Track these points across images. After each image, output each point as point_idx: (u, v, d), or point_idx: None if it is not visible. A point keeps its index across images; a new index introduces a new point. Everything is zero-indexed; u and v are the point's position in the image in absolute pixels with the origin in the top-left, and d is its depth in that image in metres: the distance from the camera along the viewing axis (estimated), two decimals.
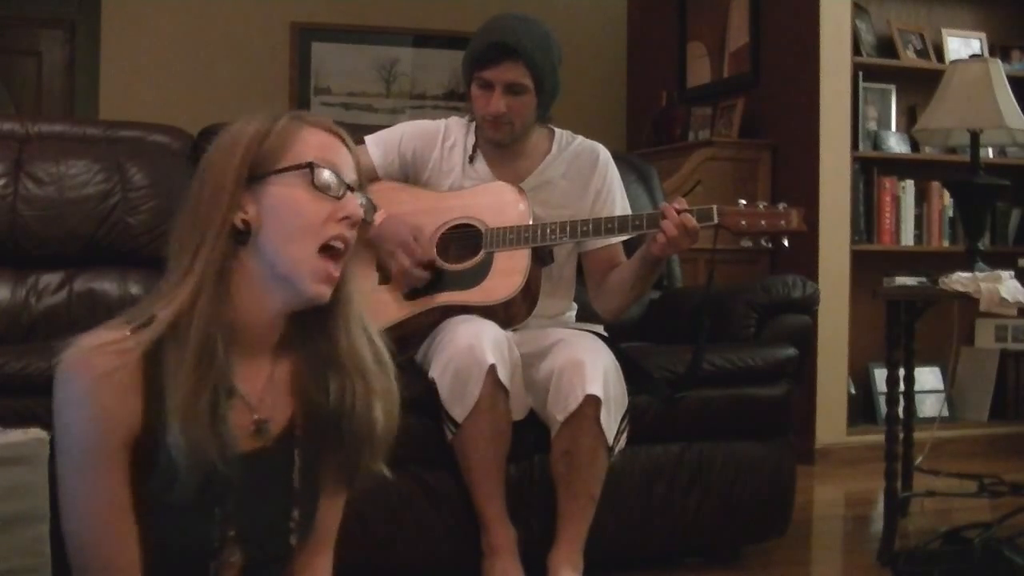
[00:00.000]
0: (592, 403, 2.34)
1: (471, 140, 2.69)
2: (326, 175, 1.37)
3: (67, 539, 1.34)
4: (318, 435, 1.43)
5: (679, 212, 2.36)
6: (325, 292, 1.39)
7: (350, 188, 1.40)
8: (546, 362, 2.43)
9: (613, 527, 2.54)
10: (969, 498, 3.26)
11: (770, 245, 2.43)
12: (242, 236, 1.36)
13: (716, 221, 2.39)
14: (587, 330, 2.61)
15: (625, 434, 2.45)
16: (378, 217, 2.58)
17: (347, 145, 1.43)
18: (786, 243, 2.42)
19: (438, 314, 2.51)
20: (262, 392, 1.42)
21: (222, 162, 1.37)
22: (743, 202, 2.42)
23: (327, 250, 1.37)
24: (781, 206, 2.41)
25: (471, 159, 2.66)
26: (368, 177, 2.68)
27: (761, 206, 2.42)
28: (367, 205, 1.43)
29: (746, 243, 2.43)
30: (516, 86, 2.53)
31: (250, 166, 1.36)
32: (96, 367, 1.29)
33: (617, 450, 2.43)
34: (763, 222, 2.40)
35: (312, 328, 1.43)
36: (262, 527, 1.41)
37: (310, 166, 1.36)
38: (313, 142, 1.39)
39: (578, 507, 2.41)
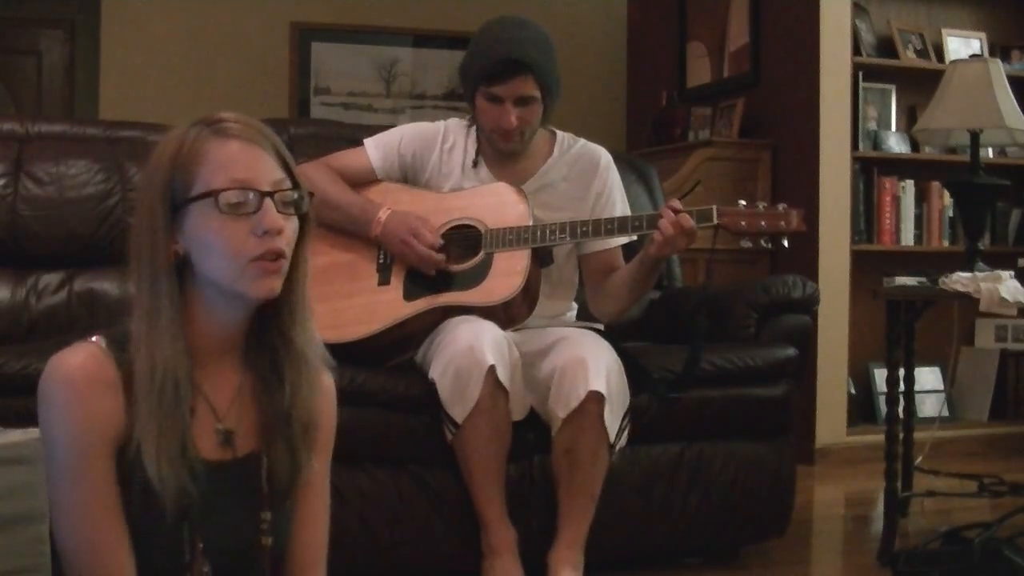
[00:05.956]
0: (595, 400, 2.34)
1: (472, 144, 2.68)
2: (231, 197, 1.33)
3: (62, 555, 1.34)
4: (278, 436, 1.43)
5: (676, 212, 2.36)
6: (272, 286, 1.36)
7: (270, 194, 1.35)
8: (548, 360, 2.43)
9: (613, 527, 2.54)
10: (969, 498, 3.26)
11: (770, 245, 2.44)
12: (182, 267, 1.37)
13: (716, 222, 2.39)
14: (588, 328, 2.62)
15: (626, 432, 2.45)
16: (383, 214, 2.58)
17: (263, 145, 1.37)
18: (786, 243, 2.42)
19: (438, 314, 2.51)
20: (230, 403, 1.42)
21: (148, 190, 1.37)
22: (743, 203, 2.42)
23: (259, 259, 1.35)
24: (781, 207, 2.41)
25: (474, 163, 2.66)
26: (366, 179, 2.68)
27: (761, 207, 2.42)
28: (298, 197, 1.38)
29: (746, 243, 2.43)
30: (526, 98, 2.53)
31: (171, 194, 1.35)
32: (74, 372, 1.32)
33: (618, 448, 2.43)
34: (763, 223, 2.40)
35: (269, 327, 1.43)
36: (230, 536, 1.40)
37: (213, 194, 1.33)
38: (220, 158, 1.34)
39: (579, 506, 2.41)
